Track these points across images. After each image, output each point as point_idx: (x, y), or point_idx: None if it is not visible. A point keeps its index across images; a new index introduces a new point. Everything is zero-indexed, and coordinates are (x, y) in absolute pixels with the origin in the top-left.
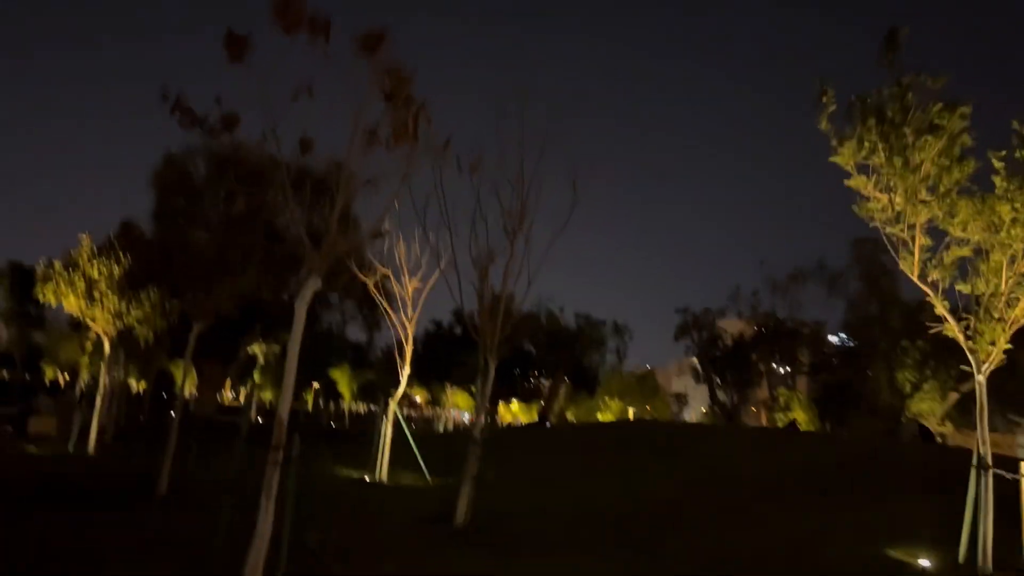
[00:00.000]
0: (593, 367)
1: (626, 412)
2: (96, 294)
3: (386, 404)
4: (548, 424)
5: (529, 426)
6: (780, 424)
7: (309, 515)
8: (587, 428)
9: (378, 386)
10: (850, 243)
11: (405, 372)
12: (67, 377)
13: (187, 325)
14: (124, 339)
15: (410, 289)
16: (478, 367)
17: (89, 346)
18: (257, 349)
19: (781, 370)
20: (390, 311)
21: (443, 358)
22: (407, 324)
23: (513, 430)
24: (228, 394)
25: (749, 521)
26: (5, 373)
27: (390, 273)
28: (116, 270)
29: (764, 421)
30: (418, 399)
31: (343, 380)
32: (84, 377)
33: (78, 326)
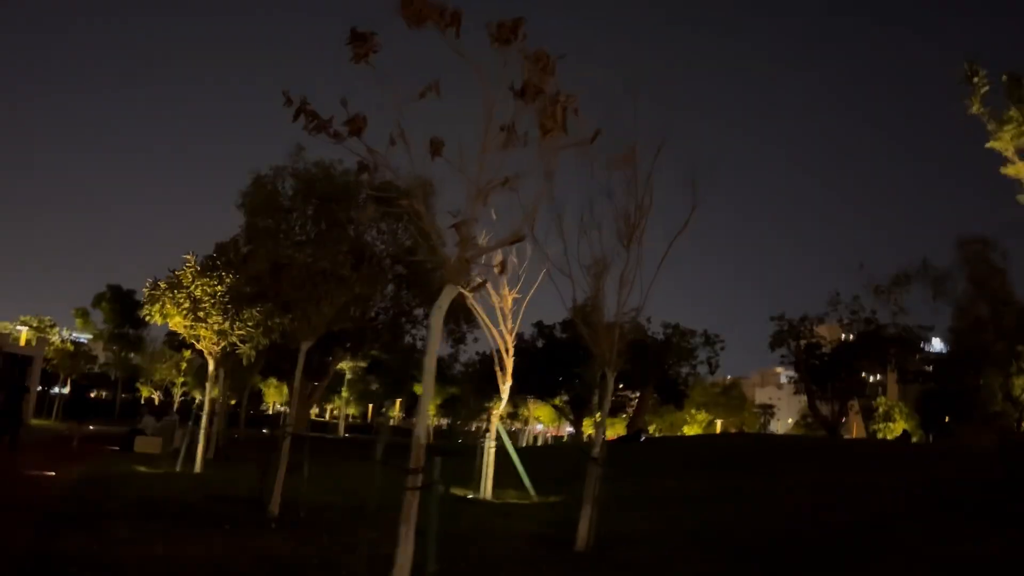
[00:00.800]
0: (681, 378)
1: (712, 425)
2: (201, 313)
3: (488, 421)
4: (643, 438)
5: (622, 440)
6: (882, 435)
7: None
8: (684, 442)
9: (461, 400)
10: (956, 243)
11: (507, 386)
12: (161, 396)
13: (282, 344)
14: (225, 358)
15: (509, 300)
16: (592, 379)
17: (184, 365)
18: (344, 366)
19: (875, 379)
20: (489, 324)
21: (525, 371)
22: (507, 336)
23: (607, 445)
24: (314, 410)
25: (896, 549)
26: (103, 393)
27: (488, 284)
28: (219, 288)
29: (855, 432)
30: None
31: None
32: (178, 396)
33: (175, 346)
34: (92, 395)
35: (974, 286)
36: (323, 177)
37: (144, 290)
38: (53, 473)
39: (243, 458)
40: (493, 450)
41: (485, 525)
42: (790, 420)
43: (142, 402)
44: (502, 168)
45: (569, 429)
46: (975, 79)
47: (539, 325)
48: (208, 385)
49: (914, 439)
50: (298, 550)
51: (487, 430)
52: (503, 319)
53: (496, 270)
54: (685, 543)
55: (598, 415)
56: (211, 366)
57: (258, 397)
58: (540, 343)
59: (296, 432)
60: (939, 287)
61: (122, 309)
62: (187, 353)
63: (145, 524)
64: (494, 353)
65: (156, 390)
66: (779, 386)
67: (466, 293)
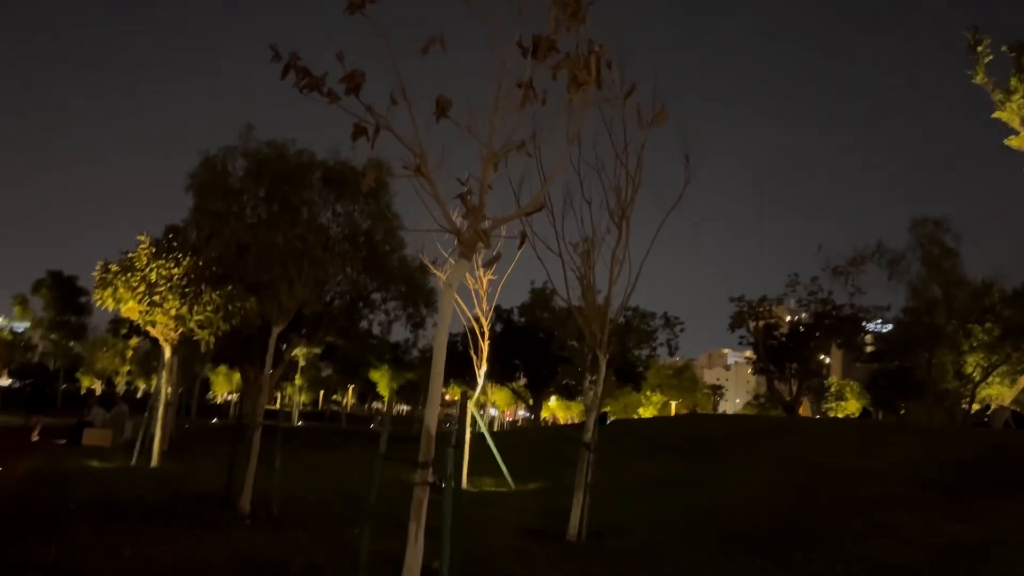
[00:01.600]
0: (641, 361)
1: (667, 406)
2: (156, 297)
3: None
4: (608, 422)
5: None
6: (834, 414)
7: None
8: (647, 425)
9: (419, 386)
10: (910, 224)
11: (482, 370)
12: (104, 386)
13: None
14: (180, 345)
15: (484, 281)
16: (582, 361)
17: (130, 354)
18: (298, 352)
19: (820, 359)
20: (463, 306)
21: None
22: (482, 319)
23: (574, 428)
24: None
25: (883, 530)
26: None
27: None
28: (176, 271)
29: (807, 411)
30: (448, 397)
31: (383, 381)
32: (121, 386)
33: (125, 333)
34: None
35: (927, 267)
36: (275, 157)
37: (94, 274)
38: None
39: (198, 450)
40: (468, 437)
41: (469, 516)
42: (738, 400)
43: (94, 393)
44: (515, 131)
45: (522, 412)
46: (979, 48)
47: (497, 309)
48: (164, 374)
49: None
50: (277, 549)
51: (455, 417)
52: (478, 301)
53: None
54: (674, 530)
55: (590, 397)
56: (167, 353)
57: (205, 386)
58: (498, 327)
59: (264, 422)
60: (894, 268)
61: (63, 296)
62: (134, 341)
63: (108, 525)
64: (468, 336)
65: (98, 380)
66: (727, 367)
67: (438, 274)
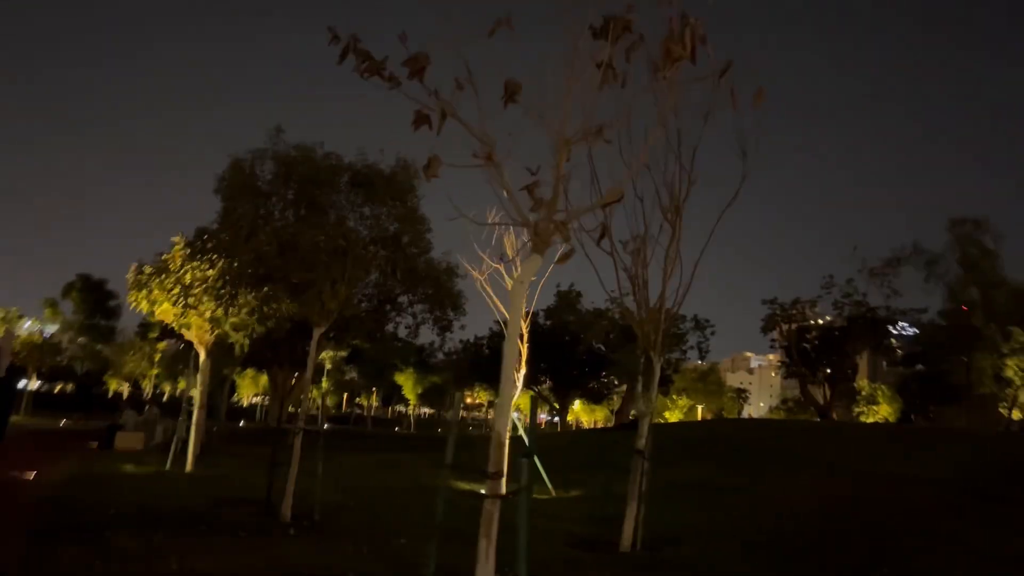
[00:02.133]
0: (670, 364)
1: (693, 410)
2: (191, 300)
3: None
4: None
5: (622, 427)
6: (866, 418)
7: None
8: (681, 429)
9: (443, 390)
10: (947, 225)
11: (521, 374)
12: (131, 389)
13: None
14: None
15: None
16: (633, 364)
17: (158, 357)
18: (325, 355)
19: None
20: (501, 307)
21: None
22: (521, 321)
23: (605, 433)
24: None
25: (944, 539)
26: (68, 387)
27: (502, 266)
28: (211, 273)
29: (838, 415)
30: (468, 400)
31: (408, 384)
32: (148, 389)
33: (146, 337)
34: (57, 389)
35: (964, 268)
36: (304, 160)
37: (128, 276)
38: (33, 475)
39: (229, 454)
40: (507, 443)
41: (512, 525)
42: (762, 404)
43: (122, 396)
44: (591, 116)
45: (543, 416)
46: None
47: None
48: (200, 377)
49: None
50: (328, 560)
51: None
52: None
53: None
54: (728, 540)
55: (642, 403)
56: (202, 356)
57: (230, 389)
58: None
59: (305, 427)
60: (931, 269)
61: (93, 299)
62: (162, 344)
63: (150, 534)
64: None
65: (125, 383)
66: (750, 370)
67: (477, 276)
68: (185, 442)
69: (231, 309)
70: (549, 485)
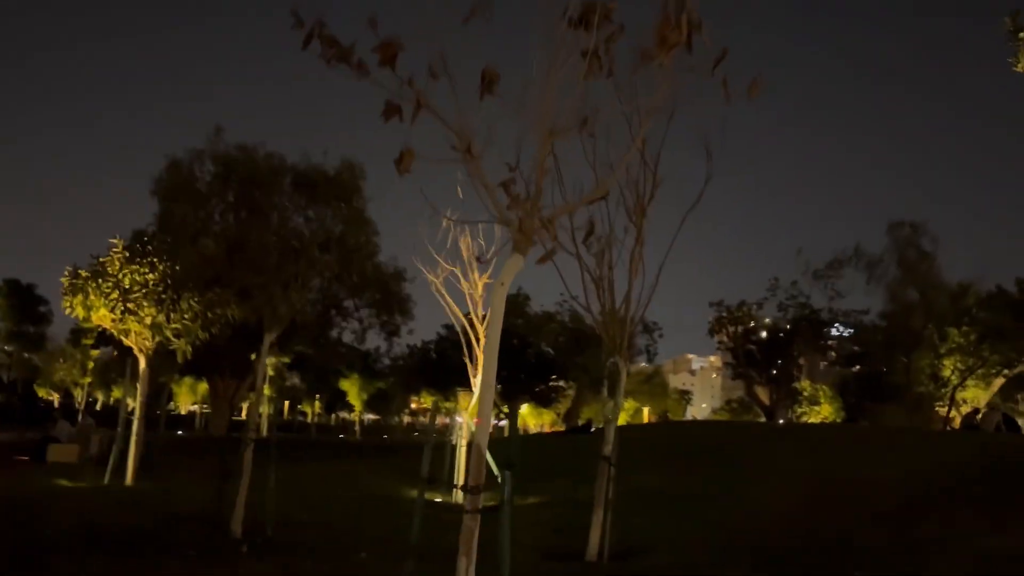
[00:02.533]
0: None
1: (639, 413)
2: (131, 305)
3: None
4: (592, 430)
5: (572, 432)
6: (808, 419)
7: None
8: (637, 433)
9: (390, 395)
10: (886, 227)
11: (478, 380)
12: (61, 398)
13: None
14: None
15: (480, 285)
16: (598, 368)
17: (91, 365)
18: (268, 361)
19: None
20: (457, 311)
21: (454, 365)
22: (477, 325)
23: (557, 437)
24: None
25: (925, 543)
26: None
27: (458, 268)
28: (152, 277)
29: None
30: (413, 406)
31: (353, 390)
32: (81, 398)
33: (78, 344)
34: None
35: (903, 270)
36: (245, 160)
37: (63, 279)
38: None
39: (170, 466)
40: (464, 451)
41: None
42: (704, 405)
43: (53, 406)
44: (573, 109)
45: (495, 421)
46: (1020, 34)
47: (468, 316)
48: (140, 386)
49: (835, 422)
50: None
51: (428, 426)
52: (473, 306)
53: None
54: (701, 548)
55: (609, 408)
56: (142, 364)
57: (167, 397)
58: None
59: (256, 437)
60: (872, 271)
61: (21, 305)
62: (95, 352)
63: (92, 556)
64: (464, 344)
65: (55, 392)
66: (692, 372)
67: (433, 279)
68: (124, 454)
69: (173, 315)
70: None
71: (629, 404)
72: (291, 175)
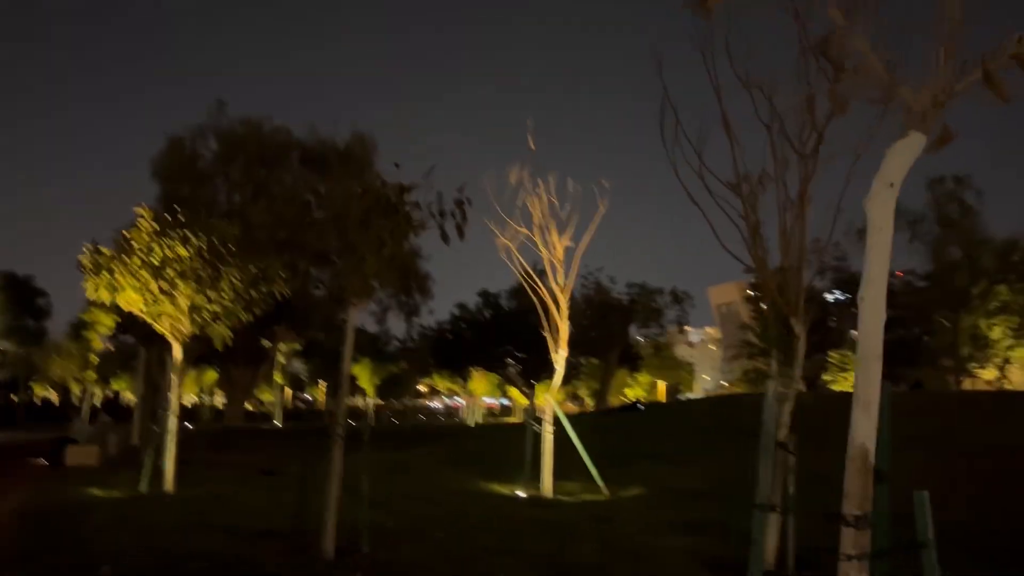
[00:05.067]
0: (640, 342)
1: (655, 386)
2: (164, 284)
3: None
4: (641, 407)
5: (621, 410)
6: (838, 387)
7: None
8: (685, 409)
9: (403, 379)
10: (926, 183)
11: (562, 355)
12: (59, 396)
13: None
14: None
15: (560, 248)
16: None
17: (95, 359)
18: (282, 347)
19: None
20: (537, 281)
21: (472, 343)
22: (559, 295)
23: (606, 417)
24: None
25: None
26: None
27: (534, 231)
28: (185, 252)
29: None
30: (422, 388)
31: (364, 375)
32: (80, 394)
33: (78, 337)
34: None
35: (944, 227)
36: (250, 136)
37: (82, 258)
38: None
39: (203, 463)
40: (551, 437)
41: (614, 543)
42: (705, 377)
43: (52, 403)
44: None
45: (504, 401)
46: None
47: (484, 294)
48: (175, 378)
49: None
50: None
51: (533, 412)
52: (553, 273)
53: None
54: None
55: (791, 381)
56: (177, 353)
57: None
58: (487, 313)
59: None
60: (915, 229)
61: (19, 298)
62: (97, 344)
63: None
64: (542, 315)
65: (52, 389)
66: (691, 344)
67: (507, 243)
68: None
69: (212, 293)
70: (601, 484)
71: (644, 378)
72: (298, 151)
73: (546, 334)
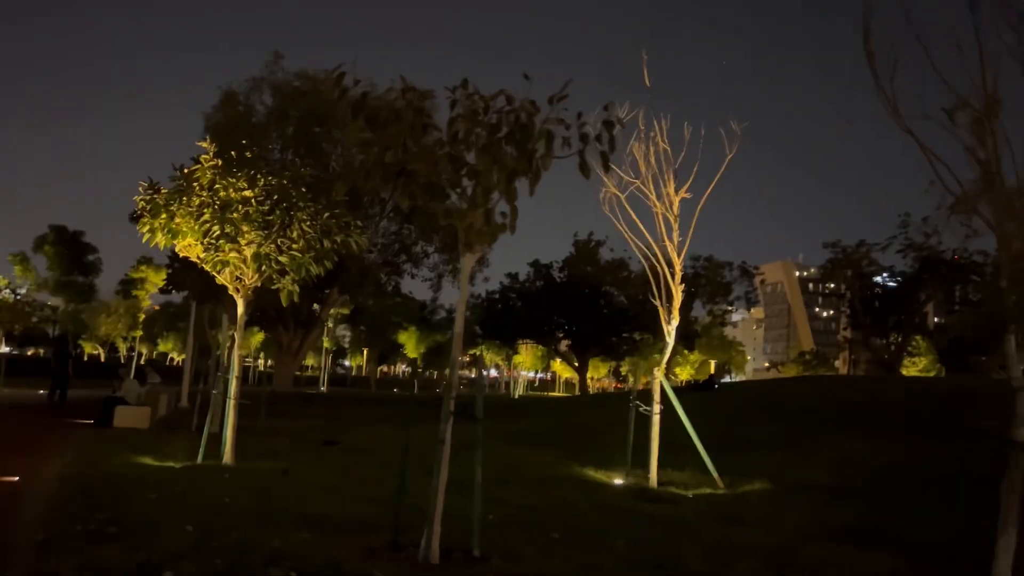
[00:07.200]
0: (704, 319)
1: (706, 365)
2: (229, 228)
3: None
4: (716, 386)
5: (695, 388)
6: (906, 371)
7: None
8: (761, 389)
9: (447, 349)
10: None
11: (673, 324)
12: (106, 353)
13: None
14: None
15: (676, 201)
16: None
17: (143, 317)
18: (333, 312)
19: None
20: (650, 239)
21: (522, 315)
22: (673, 256)
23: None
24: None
25: None
26: (40, 351)
27: (644, 183)
28: (250, 194)
29: (842, 369)
30: (465, 359)
31: (410, 343)
32: (123, 352)
33: (128, 295)
34: (30, 353)
35: None
36: (308, 91)
37: (137, 198)
38: (15, 479)
39: (259, 431)
40: (658, 419)
41: (778, 556)
42: (749, 357)
43: (102, 360)
44: None
45: (525, 373)
46: None
47: (535, 264)
48: (237, 337)
49: (932, 373)
50: None
51: (631, 390)
52: (666, 231)
53: None
54: None
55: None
56: (240, 308)
57: (203, 350)
58: (539, 284)
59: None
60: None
61: (69, 253)
62: (146, 302)
63: None
64: (651, 279)
65: (100, 346)
66: (733, 324)
67: (618, 194)
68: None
69: (282, 242)
70: (716, 475)
71: (695, 356)
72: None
73: (655, 301)
